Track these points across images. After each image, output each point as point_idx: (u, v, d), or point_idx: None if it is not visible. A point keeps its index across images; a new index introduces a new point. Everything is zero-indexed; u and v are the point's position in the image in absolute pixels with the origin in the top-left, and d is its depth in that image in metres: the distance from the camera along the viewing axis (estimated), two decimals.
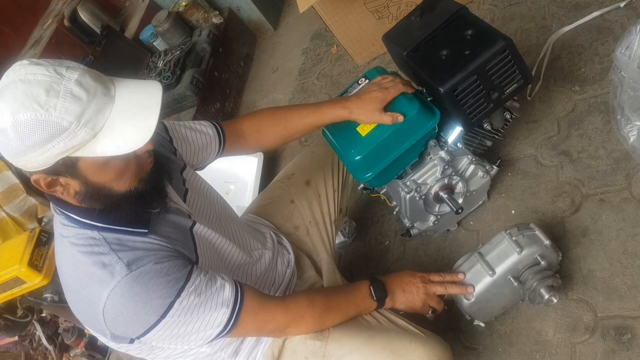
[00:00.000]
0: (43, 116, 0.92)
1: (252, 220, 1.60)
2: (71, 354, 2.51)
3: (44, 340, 2.47)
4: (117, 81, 1.02)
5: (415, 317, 1.42)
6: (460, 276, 1.45)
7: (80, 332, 2.43)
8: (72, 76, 0.96)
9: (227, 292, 1.14)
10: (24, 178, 2.50)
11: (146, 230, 1.11)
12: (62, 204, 1.08)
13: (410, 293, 1.41)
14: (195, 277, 1.10)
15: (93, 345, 2.44)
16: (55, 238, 1.16)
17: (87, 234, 1.07)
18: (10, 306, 2.25)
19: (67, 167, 0.99)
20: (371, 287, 1.37)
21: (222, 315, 1.12)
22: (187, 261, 1.14)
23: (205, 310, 1.10)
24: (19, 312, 2.30)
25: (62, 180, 1.02)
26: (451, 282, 1.44)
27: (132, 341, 1.11)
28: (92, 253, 1.05)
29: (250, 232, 1.48)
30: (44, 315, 2.47)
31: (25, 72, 0.95)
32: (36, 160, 0.96)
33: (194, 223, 1.26)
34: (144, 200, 1.12)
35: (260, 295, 1.24)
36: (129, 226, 1.10)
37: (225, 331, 1.14)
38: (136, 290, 1.03)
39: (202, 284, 1.11)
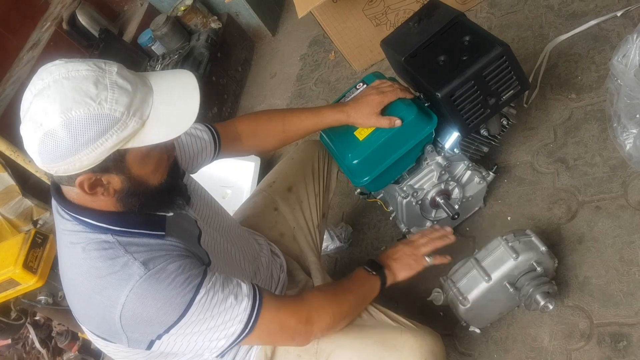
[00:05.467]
0: (96, 110, 0.91)
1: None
2: (64, 358, 2.49)
3: (37, 344, 2.45)
4: (147, 74, 1.03)
5: (400, 306, 1.41)
6: (436, 226, 1.52)
7: (73, 336, 2.41)
8: (112, 69, 0.96)
9: (245, 289, 1.12)
10: (20, 179, 2.49)
11: (163, 233, 1.10)
12: (76, 207, 1.06)
13: (401, 258, 1.42)
14: (212, 275, 1.09)
15: (86, 349, 2.42)
16: (59, 246, 1.12)
17: (99, 238, 1.04)
18: (4, 308, 2.22)
19: (116, 161, 0.98)
20: (365, 267, 1.38)
21: (242, 312, 1.09)
22: (200, 261, 1.13)
23: (226, 306, 1.08)
24: (13, 315, 2.28)
25: (105, 179, 1.01)
26: (431, 237, 1.47)
27: (150, 345, 1.07)
28: (106, 257, 1.02)
29: (247, 239, 1.48)
30: (37, 318, 2.45)
31: (67, 69, 0.93)
32: (87, 158, 0.94)
33: (201, 232, 1.25)
34: (171, 195, 1.14)
35: (276, 295, 1.22)
36: (145, 229, 1.09)
37: (247, 329, 1.10)
38: (155, 288, 1.01)
39: (219, 281, 1.09)
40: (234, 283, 1.12)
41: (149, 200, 1.08)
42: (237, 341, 1.10)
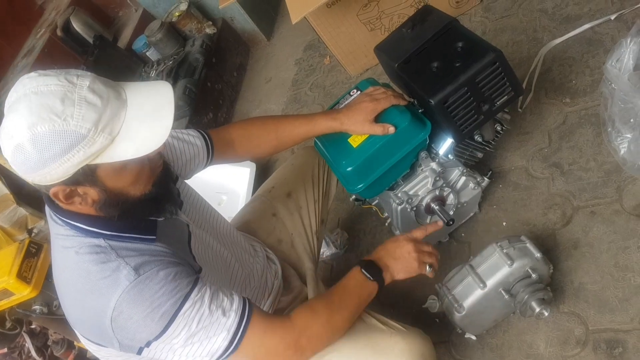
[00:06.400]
0: (61, 126, 0.91)
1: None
2: None
3: (33, 353, 2.44)
4: (125, 85, 1.02)
5: (395, 312, 1.41)
6: (440, 223, 1.46)
7: (69, 344, 2.40)
8: (84, 83, 0.95)
9: (235, 304, 1.09)
10: (14, 188, 2.48)
11: (154, 237, 1.11)
12: (67, 213, 1.07)
13: (402, 258, 1.32)
14: (202, 286, 1.08)
15: (82, 358, 2.41)
16: (53, 250, 1.13)
17: (92, 242, 1.05)
18: None
19: (87, 175, 0.98)
20: (363, 270, 1.28)
21: (227, 329, 1.07)
22: (191, 270, 1.13)
23: (212, 320, 1.06)
24: (8, 324, 2.27)
25: (80, 190, 1.01)
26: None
27: (140, 351, 1.07)
28: (98, 261, 1.03)
29: (242, 243, 1.48)
30: (33, 327, 2.44)
31: (37, 83, 0.94)
32: (56, 172, 0.95)
33: (191, 235, 1.25)
34: (158, 204, 1.14)
35: (267, 314, 1.18)
36: (136, 233, 1.09)
37: (231, 347, 1.08)
38: (144, 294, 1.02)
39: (207, 294, 1.08)
40: (223, 297, 1.10)
41: (132, 209, 1.08)
42: (221, 358, 1.09)
